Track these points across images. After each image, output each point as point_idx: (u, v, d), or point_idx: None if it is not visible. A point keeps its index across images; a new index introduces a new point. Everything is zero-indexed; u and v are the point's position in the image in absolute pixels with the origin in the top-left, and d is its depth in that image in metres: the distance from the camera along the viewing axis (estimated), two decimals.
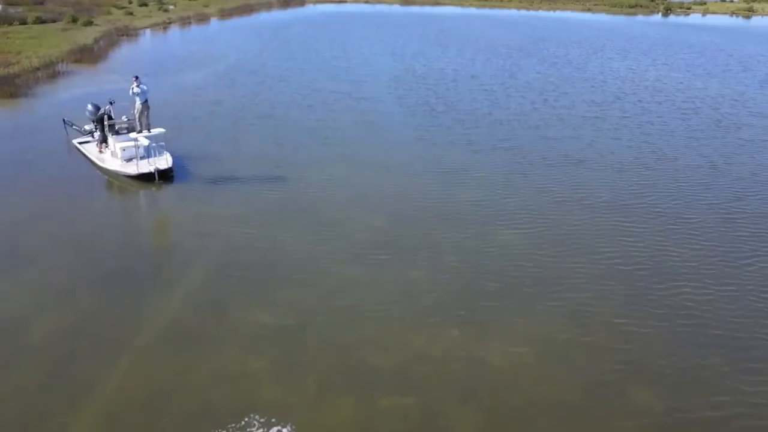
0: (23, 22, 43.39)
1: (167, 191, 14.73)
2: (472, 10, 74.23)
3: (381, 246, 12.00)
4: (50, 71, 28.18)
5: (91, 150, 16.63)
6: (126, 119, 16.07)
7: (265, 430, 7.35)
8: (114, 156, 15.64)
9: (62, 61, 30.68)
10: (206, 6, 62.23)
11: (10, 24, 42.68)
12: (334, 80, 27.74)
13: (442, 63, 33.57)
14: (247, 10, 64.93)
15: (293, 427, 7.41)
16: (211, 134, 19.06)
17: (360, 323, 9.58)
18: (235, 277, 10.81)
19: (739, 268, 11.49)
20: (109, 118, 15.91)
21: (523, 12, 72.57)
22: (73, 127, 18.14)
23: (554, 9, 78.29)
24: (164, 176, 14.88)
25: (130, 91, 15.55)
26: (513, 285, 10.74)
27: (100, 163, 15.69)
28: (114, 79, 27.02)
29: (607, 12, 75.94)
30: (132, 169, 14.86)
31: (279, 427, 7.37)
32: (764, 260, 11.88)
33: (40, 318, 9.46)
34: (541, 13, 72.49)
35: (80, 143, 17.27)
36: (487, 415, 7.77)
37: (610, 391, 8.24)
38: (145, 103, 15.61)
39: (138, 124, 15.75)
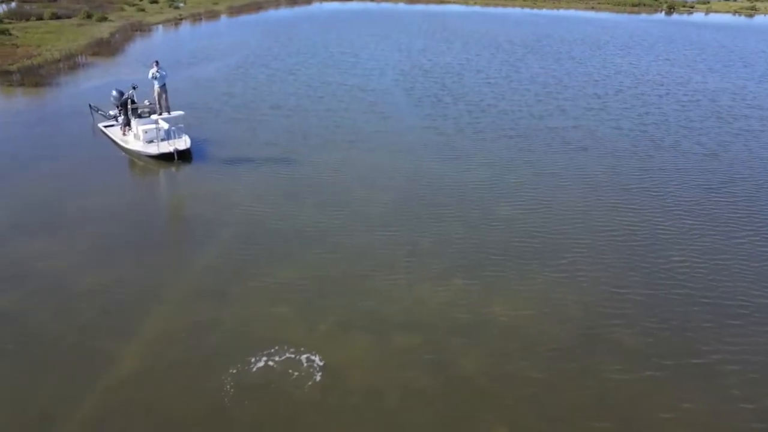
0: (39, 18, 44.52)
1: (186, 170, 15.77)
2: (477, 8, 75.01)
3: (390, 220, 12.99)
4: (71, 63, 29.23)
5: (115, 133, 17.69)
6: (148, 103, 17.17)
7: (295, 356, 8.51)
8: (136, 138, 16.71)
9: (81, 53, 31.76)
10: (216, 3, 63.22)
11: (27, 19, 43.83)
12: (342, 74, 28.68)
13: (447, 58, 34.46)
14: (255, 7, 65.85)
15: (319, 355, 8.46)
16: (224, 122, 20.04)
17: (372, 280, 10.67)
18: (254, 244, 11.85)
19: (730, 244, 12.38)
20: (132, 102, 16.95)
21: (527, 10, 73.32)
22: (99, 112, 19.17)
23: (558, 7, 79.07)
24: (183, 156, 15.98)
25: (150, 75, 16.60)
26: (515, 253, 11.67)
27: (123, 145, 16.73)
28: (130, 70, 28.13)
29: (611, 10, 76.63)
30: (153, 149, 15.95)
31: (308, 355, 8.49)
32: (754, 236, 12.77)
33: (87, 272, 10.58)
34: (545, 11, 73.22)
35: (105, 127, 18.32)
36: (488, 353, 8.83)
37: (602, 338, 9.18)
38: (163, 86, 16.68)
39: (158, 107, 16.79)
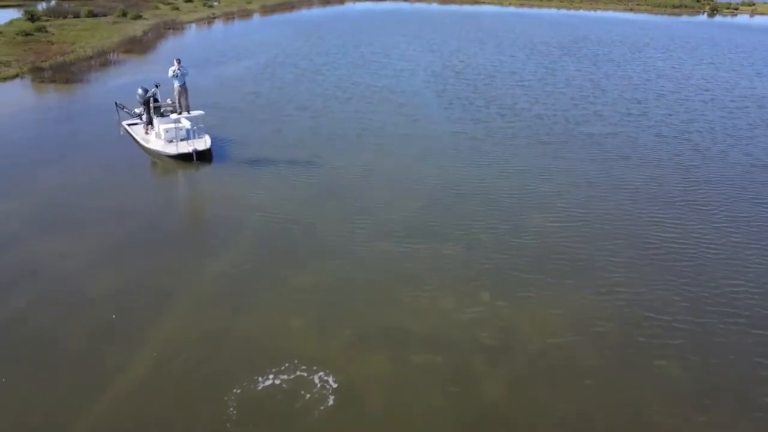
0: (77, 16, 45.29)
1: (206, 171, 15.42)
2: (511, 9, 73.68)
3: (415, 227, 12.36)
4: (102, 60, 29.39)
5: (138, 131, 17.47)
6: (170, 102, 16.87)
7: (307, 375, 7.94)
8: (158, 137, 16.45)
9: (114, 51, 31.98)
10: (249, 2, 63.53)
11: (65, 17, 44.61)
12: (372, 74, 28.10)
13: (480, 59, 33.59)
14: (288, 7, 65.97)
15: (333, 375, 7.90)
16: (249, 122, 19.65)
17: (392, 293, 10.03)
18: (271, 251, 11.35)
19: None
20: (155, 101, 16.70)
21: (564, 11, 71.68)
22: (124, 110, 19.01)
23: (595, 8, 77.10)
24: (203, 157, 15.62)
25: (170, 73, 16.27)
26: (547, 270, 10.87)
27: (144, 144, 16.46)
28: (161, 67, 28.05)
29: (650, 12, 74.35)
30: (172, 149, 15.64)
31: (321, 374, 7.91)
32: None
33: (98, 275, 10.25)
34: (582, 12, 71.45)
35: (129, 125, 18.13)
36: (514, 378, 8.13)
37: (642, 371, 8.33)
38: (183, 85, 16.35)
39: (178, 106, 16.47)
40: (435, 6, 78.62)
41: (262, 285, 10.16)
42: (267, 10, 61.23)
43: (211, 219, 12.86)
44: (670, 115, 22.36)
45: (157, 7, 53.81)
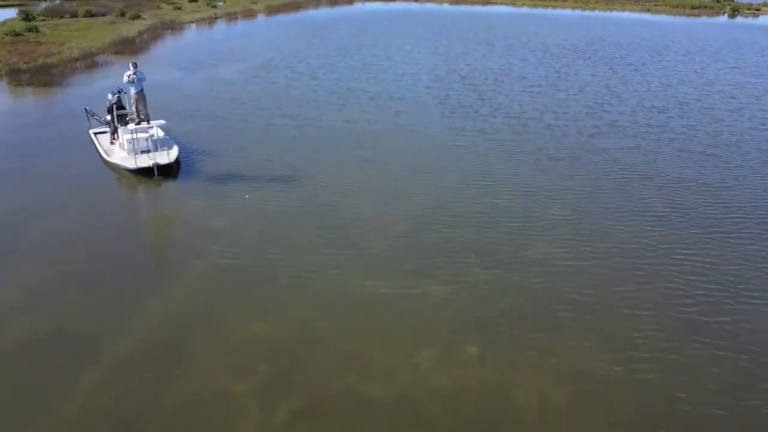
0: (74, 16, 44.05)
1: (168, 188, 13.80)
2: (525, 10, 71.54)
3: (397, 260, 10.65)
4: (88, 62, 28.01)
5: (104, 141, 15.91)
6: (133, 109, 15.35)
7: None
8: (121, 148, 14.88)
9: (103, 52, 30.62)
10: (254, 2, 62.04)
11: (62, 17, 43.39)
12: (370, 79, 26.30)
13: (489, 63, 31.72)
14: (294, 7, 64.42)
15: None
16: (228, 131, 17.99)
17: (362, 345, 8.40)
18: (227, 287, 9.73)
19: None
20: (119, 107, 15.16)
21: (578, 12, 69.41)
22: (94, 117, 17.47)
23: (611, 9, 74.70)
24: (165, 171, 13.95)
25: (125, 79, 14.70)
26: (547, 315, 9.13)
27: (104, 156, 14.86)
28: (150, 69, 26.57)
29: (668, 13, 71.79)
30: (131, 162, 13.98)
31: None
32: None
33: (19, 320, 8.75)
34: (597, 13, 69.12)
35: (96, 134, 16.57)
36: None
37: None
38: (140, 92, 14.79)
39: (135, 115, 14.90)
40: (446, 6, 76.72)
41: (205, 337, 8.48)
42: (272, 11, 59.72)
43: (163, 248, 11.18)
44: (693, 126, 20.36)
45: (159, 7, 52.48)
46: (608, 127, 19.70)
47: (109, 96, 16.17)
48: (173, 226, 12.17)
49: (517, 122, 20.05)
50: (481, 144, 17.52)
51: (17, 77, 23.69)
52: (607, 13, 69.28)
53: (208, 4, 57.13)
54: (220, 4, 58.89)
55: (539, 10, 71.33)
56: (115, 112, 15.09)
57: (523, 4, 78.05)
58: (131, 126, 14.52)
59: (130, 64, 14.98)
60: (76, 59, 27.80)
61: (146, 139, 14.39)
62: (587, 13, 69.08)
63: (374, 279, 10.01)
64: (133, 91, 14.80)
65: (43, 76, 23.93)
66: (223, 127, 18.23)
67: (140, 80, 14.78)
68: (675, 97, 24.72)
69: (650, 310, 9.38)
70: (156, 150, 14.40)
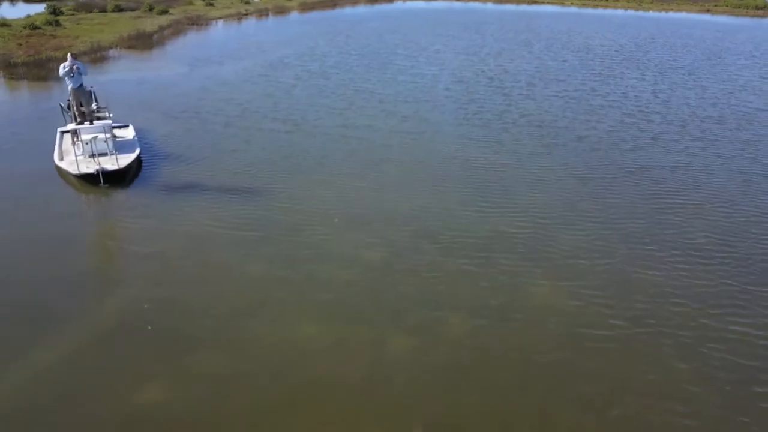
0: (102, 10, 43.52)
1: (114, 199, 11.97)
2: (573, 9, 67.74)
3: (361, 295, 8.49)
4: (96, 56, 26.79)
5: (67, 140, 14.25)
6: (96, 107, 13.61)
7: None
8: (78, 148, 13.17)
9: (115, 46, 29.41)
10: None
11: (90, 11, 42.90)
12: (385, 80, 23.80)
13: (523, 64, 28.92)
14: (330, 4, 62.69)
15: None
16: (206, 134, 16.07)
17: (280, 419, 6.29)
18: (131, 338, 7.68)
19: None
20: (80, 105, 13.49)
21: (631, 12, 65.11)
22: (69, 113, 15.92)
23: (667, 9, 69.89)
24: (115, 179, 12.06)
25: (61, 71, 12.90)
26: (561, 391, 6.61)
27: (55, 158, 13.14)
28: (159, 65, 25.31)
29: (730, 13, 66.48)
30: (74, 167, 12.18)
31: None
32: None
33: None
34: (652, 13, 64.65)
35: (63, 132, 14.95)
36: None
37: None
38: (80, 87, 12.93)
39: (74, 113, 13.14)
40: (490, 5, 73.65)
41: (84, 406, 6.43)
42: (306, 8, 58.12)
43: (75, 280, 9.13)
44: (756, 141, 17.17)
45: (191, 3, 51.66)
46: (650, 140, 16.77)
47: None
48: (100, 250, 10.28)
49: (543, 132, 17.37)
50: (493, 157, 14.98)
51: (13, 71, 22.53)
52: (663, 14, 64.77)
53: (241, 0, 56.07)
54: (255, 0, 57.77)
55: (588, 10, 67.40)
56: (75, 110, 13.40)
57: (572, 4, 74.11)
58: (70, 126, 12.79)
59: (68, 55, 13.17)
60: (84, 53, 26.58)
61: (93, 141, 12.57)
62: (640, 13, 64.76)
63: (319, 323, 7.90)
64: (70, 86, 12.98)
65: (39, 69, 22.73)
66: (204, 131, 16.27)
67: (80, 74, 12.97)
68: (734, 106, 21.40)
69: (707, 419, 6.76)
70: (113, 153, 12.60)
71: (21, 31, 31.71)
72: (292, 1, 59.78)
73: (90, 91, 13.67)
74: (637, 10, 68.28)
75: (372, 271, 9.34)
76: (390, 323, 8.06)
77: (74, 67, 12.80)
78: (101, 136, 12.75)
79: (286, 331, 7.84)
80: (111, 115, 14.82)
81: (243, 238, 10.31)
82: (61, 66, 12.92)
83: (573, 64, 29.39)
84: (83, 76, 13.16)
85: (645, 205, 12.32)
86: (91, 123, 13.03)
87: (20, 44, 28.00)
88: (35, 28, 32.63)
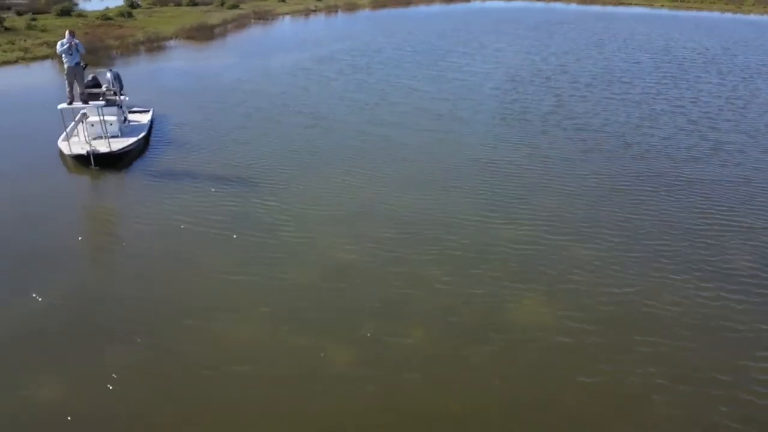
0: (178, 4, 45.07)
1: (106, 182, 11.83)
2: (663, 11, 63.11)
3: (317, 301, 7.40)
4: (152, 45, 27.46)
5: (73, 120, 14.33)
6: (105, 88, 13.55)
7: None
8: (78, 130, 13.18)
9: (176, 37, 30.11)
10: None
11: (165, 5, 44.55)
12: (431, 77, 22.66)
13: (589, 64, 26.78)
14: (403, 2, 61.93)
15: None
16: (227, 126, 15.59)
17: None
18: (79, 324, 7.06)
19: None
20: (94, 86, 13.68)
21: (728, 15, 59.73)
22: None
23: None
24: (104, 162, 11.83)
25: (59, 48, 12.64)
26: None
27: (59, 139, 13.09)
28: (209, 54, 25.58)
29: None
30: (66, 147, 12.10)
31: None
32: None
33: None
34: (753, 16, 58.97)
35: (62, 110, 15.08)
36: None
37: None
38: (77, 65, 12.63)
39: (69, 92, 12.90)
40: (573, 6, 70.14)
41: None
42: (377, 5, 57.65)
43: (38, 258, 8.77)
44: None
45: None
46: (710, 150, 14.62)
47: (108, 74, 14.79)
48: (84, 229, 9.89)
49: (586, 136, 15.63)
50: (520, 161, 13.51)
51: None
52: (764, 17, 58.89)
53: None
54: None
55: (680, 12, 62.55)
56: (68, 88, 13.34)
57: (662, 6, 69.14)
58: (62, 105, 12.69)
59: (66, 32, 12.99)
60: (141, 42, 27.34)
61: (86, 122, 12.43)
62: (739, 16, 59.28)
63: (288, 335, 6.98)
64: (66, 63, 12.73)
65: (90, 56, 23.36)
66: (222, 121, 15.88)
67: (77, 51, 12.75)
68: None
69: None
70: (107, 136, 12.42)
71: (93, 21, 33.25)
72: None
73: (83, 69, 13.32)
74: (735, 12, 62.54)
75: (339, 277, 8.36)
76: (338, 332, 7.07)
77: (72, 43, 12.64)
78: (95, 118, 12.59)
79: (229, 332, 7.04)
80: (126, 98, 14.74)
81: (207, 234, 9.63)
82: (59, 43, 12.79)
83: (645, 66, 26.86)
84: (80, 56, 12.99)
85: (684, 223, 10.52)
86: (84, 103, 12.87)
87: (87, 33, 29.24)
88: (107, 18, 34.14)
